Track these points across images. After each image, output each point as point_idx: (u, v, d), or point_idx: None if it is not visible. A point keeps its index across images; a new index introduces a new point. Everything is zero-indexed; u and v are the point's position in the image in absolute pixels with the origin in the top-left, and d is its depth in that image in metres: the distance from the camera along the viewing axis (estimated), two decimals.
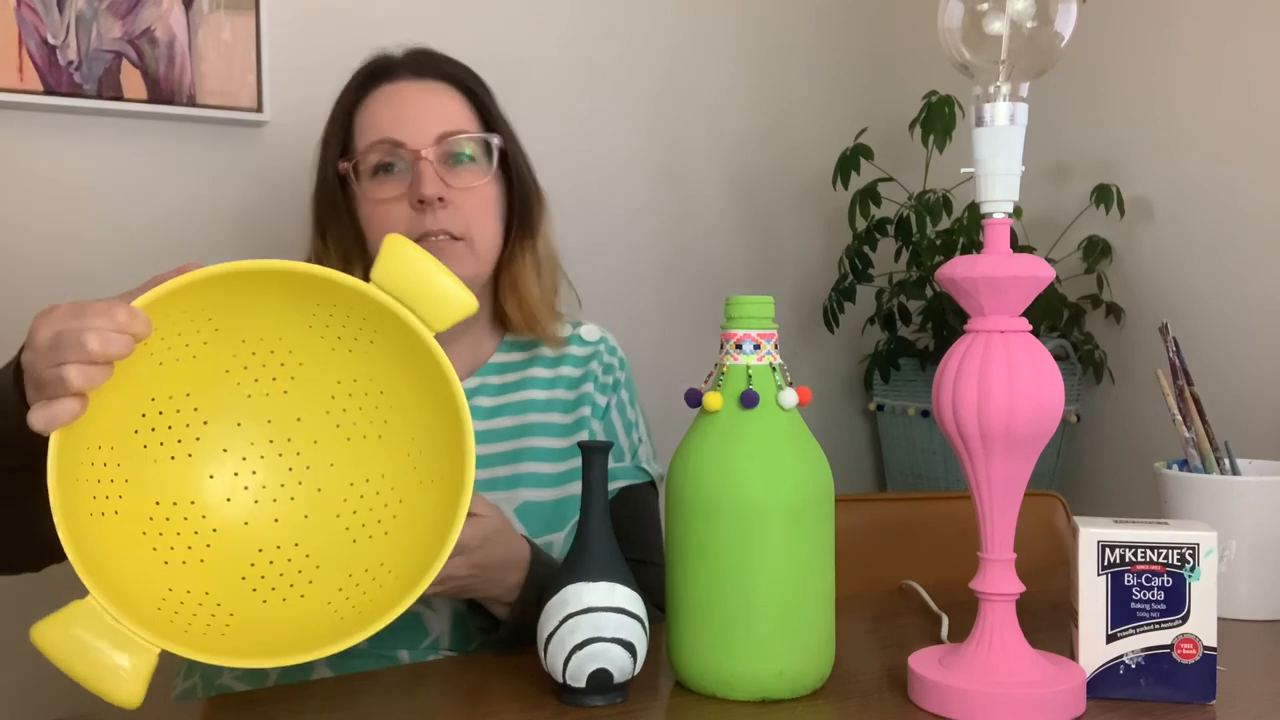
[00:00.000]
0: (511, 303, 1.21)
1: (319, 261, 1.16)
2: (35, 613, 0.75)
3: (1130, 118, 2.12)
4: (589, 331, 1.28)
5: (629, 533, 1.15)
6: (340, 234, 1.18)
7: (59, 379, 0.74)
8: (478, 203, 1.16)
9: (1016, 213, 0.92)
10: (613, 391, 1.25)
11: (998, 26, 0.87)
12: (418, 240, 1.11)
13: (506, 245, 1.21)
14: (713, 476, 0.90)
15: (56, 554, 0.74)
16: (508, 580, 1.01)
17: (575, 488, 1.17)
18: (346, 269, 1.15)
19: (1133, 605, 0.90)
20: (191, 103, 1.62)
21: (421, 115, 1.16)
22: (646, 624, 0.91)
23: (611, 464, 1.20)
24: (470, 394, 1.20)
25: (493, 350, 1.24)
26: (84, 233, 1.61)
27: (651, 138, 2.13)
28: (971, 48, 0.88)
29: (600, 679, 0.88)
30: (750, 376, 0.92)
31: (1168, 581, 0.90)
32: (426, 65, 1.20)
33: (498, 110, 1.22)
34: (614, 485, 1.21)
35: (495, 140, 1.19)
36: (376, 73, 1.20)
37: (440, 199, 1.13)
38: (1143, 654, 0.90)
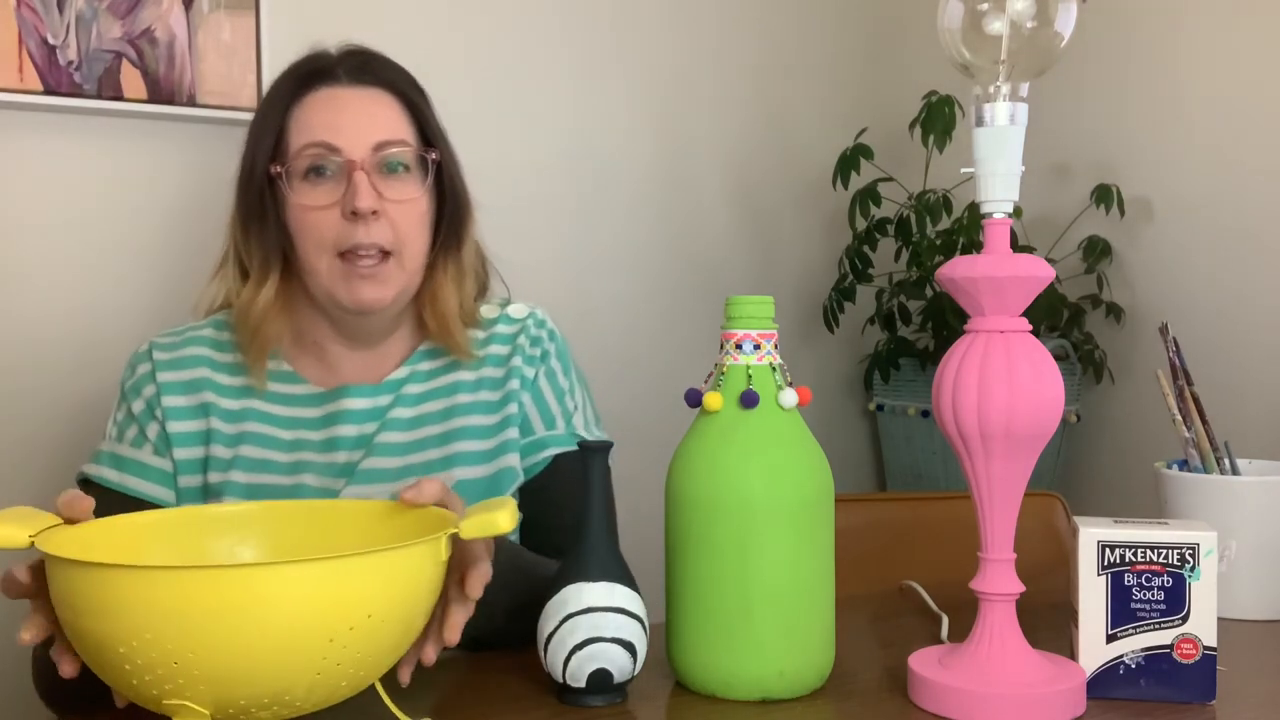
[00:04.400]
0: (428, 312, 1.20)
1: (238, 256, 1.18)
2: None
3: (1130, 118, 2.12)
4: (516, 309, 1.26)
5: (558, 500, 1.17)
6: (262, 233, 1.15)
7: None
8: (410, 216, 1.14)
9: (1016, 213, 0.92)
10: (540, 362, 1.23)
11: (998, 26, 0.87)
12: (346, 253, 1.11)
13: (430, 255, 1.19)
14: (713, 476, 0.91)
15: None
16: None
17: (506, 461, 1.17)
18: (264, 269, 1.15)
19: (1133, 605, 0.90)
20: (191, 103, 1.62)
21: (359, 123, 1.13)
22: (646, 624, 0.91)
23: (543, 432, 1.20)
24: (400, 383, 1.19)
25: (420, 341, 1.23)
26: (84, 233, 1.61)
27: (651, 138, 2.13)
28: (971, 48, 0.88)
29: (600, 679, 0.88)
30: (750, 376, 0.93)
31: (1168, 581, 0.90)
32: (366, 70, 1.17)
33: (435, 120, 1.20)
34: (547, 453, 1.20)
35: (432, 155, 1.17)
36: (315, 73, 1.17)
37: (374, 211, 1.11)
38: (1143, 654, 0.90)
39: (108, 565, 0.73)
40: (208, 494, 1.14)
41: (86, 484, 1.16)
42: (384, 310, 1.15)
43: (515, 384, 1.21)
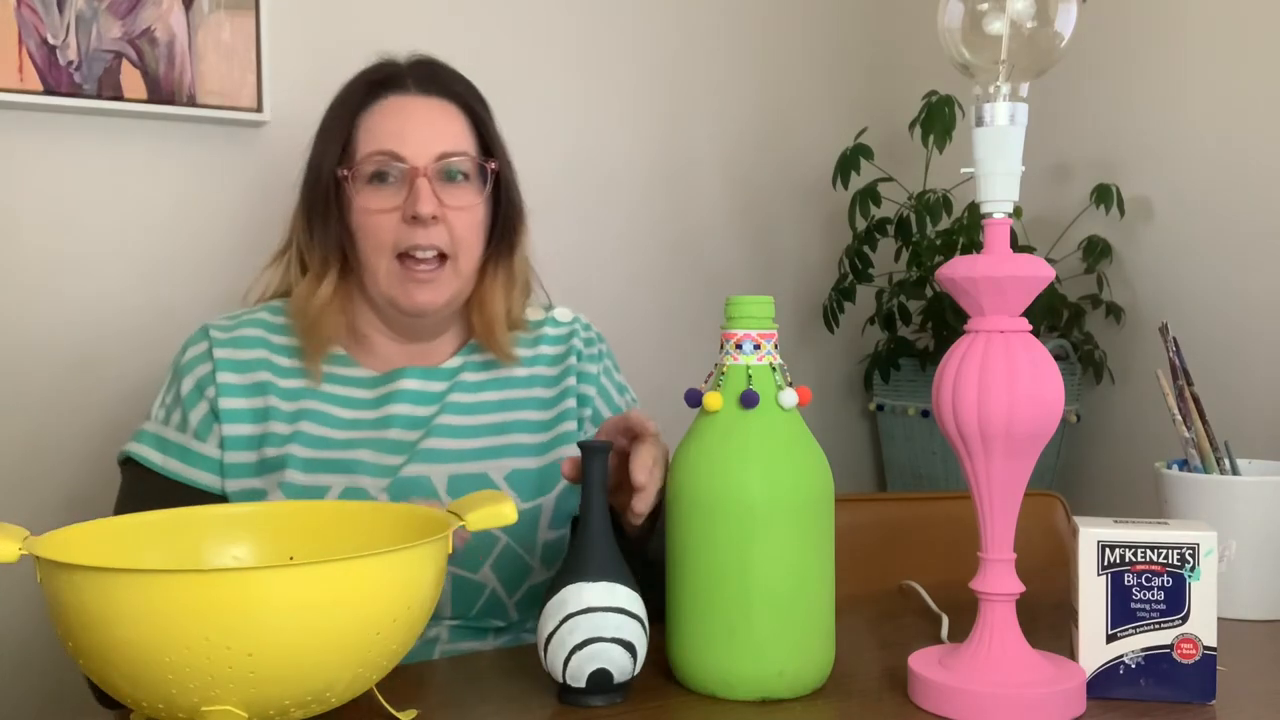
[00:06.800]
0: (476, 315, 1.25)
1: (299, 251, 1.22)
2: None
3: (1130, 118, 2.12)
4: (562, 313, 1.33)
5: None
6: (325, 232, 1.20)
7: None
8: (467, 222, 1.19)
9: (1016, 213, 0.92)
10: (599, 360, 1.31)
11: (998, 26, 0.87)
12: (404, 254, 1.17)
13: (482, 262, 1.24)
14: (713, 476, 0.91)
15: None
16: None
17: (559, 453, 1.22)
18: (324, 266, 1.20)
19: (1133, 605, 0.90)
20: (191, 103, 1.62)
21: (424, 132, 1.18)
22: (646, 624, 0.91)
23: None
24: (456, 370, 1.24)
25: (468, 337, 1.28)
26: (84, 233, 1.61)
27: (652, 138, 2.13)
28: (971, 48, 0.88)
29: (600, 679, 0.88)
30: (750, 376, 0.93)
31: (1168, 581, 0.90)
32: (433, 81, 1.22)
33: (495, 131, 1.25)
34: None
35: (492, 165, 1.22)
36: (384, 81, 1.21)
37: (434, 216, 1.16)
38: (1143, 654, 0.90)
39: (163, 571, 0.72)
40: (265, 468, 1.16)
41: (129, 463, 1.20)
42: (437, 312, 1.20)
43: (572, 380, 1.27)
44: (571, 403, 1.26)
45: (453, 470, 1.18)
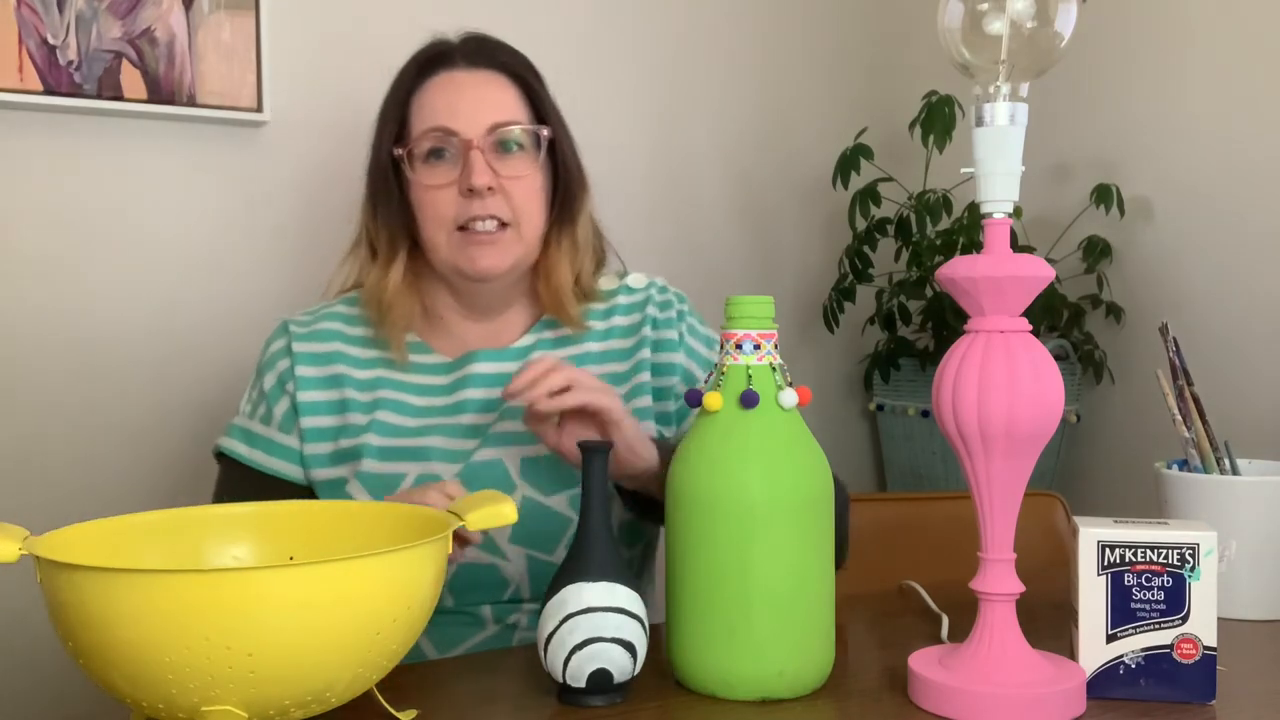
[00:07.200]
0: (543, 285, 1.26)
1: (368, 237, 1.25)
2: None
3: (1130, 118, 2.12)
4: (635, 279, 1.32)
5: None
6: (389, 213, 1.22)
7: None
8: (525, 190, 1.20)
9: (1016, 213, 0.92)
10: (679, 321, 1.29)
11: (998, 26, 0.87)
12: (465, 225, 1.18)
13: (546, 229, 1.25)
14: (713, 476, 0.91)
15: None
16: (648, 452, 1.10)
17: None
18: (392, 248, 1.22)
19: (1133, 605, 0.90)
20: (191, 103, 1.62)
21: (475, 105, 1.19)
22: (646, 624, 0.91)
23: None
24: (527, 350, 1.25)
25: (540, 312, 1.29)
26: (84, 233, 1.61)
27: (652, 138, 2.13)
28: (971, 48, 0.88)
29: (600, 679, 0.88)
30: (750, 376, 0.93)
31: (1168, 581, 0.90)
32: (481, 54, 1.24)
33: (549, 99, 1.25)
34: None
35: (544, 131, 1.23)
36: (433, 59, 1.23)
37: (489, 188, 1.17)
38: (1143, 654, 0.90)
39: (163, 571, 0.72)
40: (342, 458, 1.19)
41: (220, 457, 1.24)
42: (501, 277, 1.21)
43: (646, 353, 1.26)
44: (645, 376, 1.25)
45: (525, 453, 1.18)
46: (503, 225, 1.19)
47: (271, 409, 1.22)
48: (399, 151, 1.20)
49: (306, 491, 1.20)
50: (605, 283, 1.30)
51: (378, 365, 1.23)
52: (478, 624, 1.18)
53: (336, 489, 1.18)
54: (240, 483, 1.21)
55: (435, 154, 1.19)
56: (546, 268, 1.25)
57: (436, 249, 1.20)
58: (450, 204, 1.18)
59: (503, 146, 1.19)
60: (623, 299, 1.30)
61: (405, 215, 1.22)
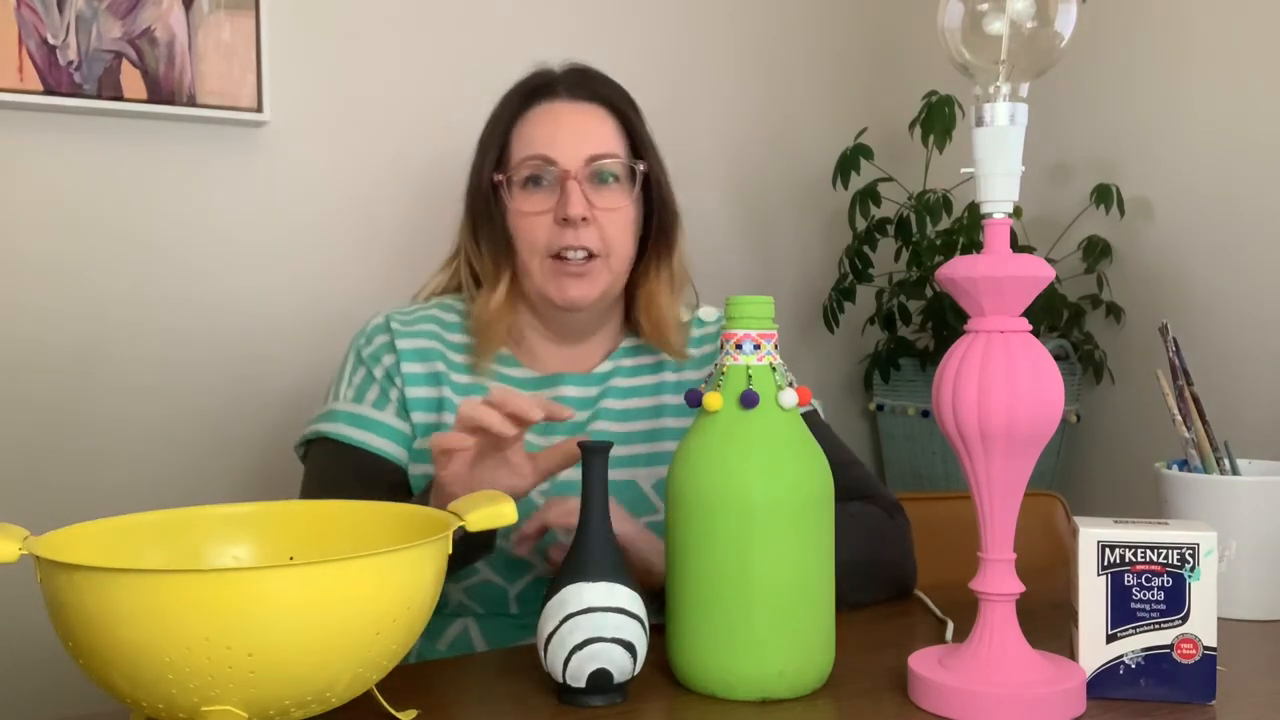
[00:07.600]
0: (644, 315, 1.28)
1: (469, 259, 1.28)
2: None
3: (1130, 118, 2.12)
4: (707, 312, 1.35)
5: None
6: (491, 237, 1.25)
7: None
8: (618, 223, 1.23)
9: (1016, 213, 0.92)
10: None
11: (998, 26, 0.87)
12: (556, 254, 1.20)
13: (641, 262, 1.28)
14: (713, 476, 0.91)
15: None
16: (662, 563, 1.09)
17: None
18: (496, 272, 1.24)
19: (1133, 605, 0.90)
20: (191, 103, 1.62)
21: (574, 137, 1.22)
22: (646, 624, 0.91)
23: None
24: (607, 375, 1.27)
25: (622, 339, 1.31)
26: (83, 233, 1.61)
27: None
28: (971, 48, 0.88)
29: (600, 679, 0.88)
30: (750, 376, 0.93)
31: (1168, 581, 0.90)
32: (583, 86, 1.26)
33: (646, 133, 1.29)
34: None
35: (640, 166, 1.26)
36: (538, 89, 1.26)
37: (584, 218, 1.19)
38: (1143, 654, 0.90)
39: (163, 571, 0.72)
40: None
41: (321, 441, 1.23)
42: (590, 307, 1.23)
43: None
44: None
45: (620, 475, 1.20)
46: (592, 256, 1.21)
47: (386, 393, 1.23)
48: (499, 177, 1.23)
49: (403, 475, 1.21)
50: (681, 314, 1.33)
51: (471, 372, 1.25)
52: None
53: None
54: (343, 467, 1.20)
55: (533, 181, 1.22)
56: (648, 298, 1.27)
57: (530, 275, 1.22)
58: (544, 231, 1.21)
59: (599, 178, 1.22)
60: (695, 331, 1.32)
61: (504, 239, 1.24)
